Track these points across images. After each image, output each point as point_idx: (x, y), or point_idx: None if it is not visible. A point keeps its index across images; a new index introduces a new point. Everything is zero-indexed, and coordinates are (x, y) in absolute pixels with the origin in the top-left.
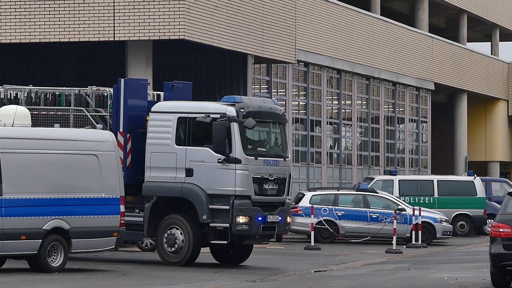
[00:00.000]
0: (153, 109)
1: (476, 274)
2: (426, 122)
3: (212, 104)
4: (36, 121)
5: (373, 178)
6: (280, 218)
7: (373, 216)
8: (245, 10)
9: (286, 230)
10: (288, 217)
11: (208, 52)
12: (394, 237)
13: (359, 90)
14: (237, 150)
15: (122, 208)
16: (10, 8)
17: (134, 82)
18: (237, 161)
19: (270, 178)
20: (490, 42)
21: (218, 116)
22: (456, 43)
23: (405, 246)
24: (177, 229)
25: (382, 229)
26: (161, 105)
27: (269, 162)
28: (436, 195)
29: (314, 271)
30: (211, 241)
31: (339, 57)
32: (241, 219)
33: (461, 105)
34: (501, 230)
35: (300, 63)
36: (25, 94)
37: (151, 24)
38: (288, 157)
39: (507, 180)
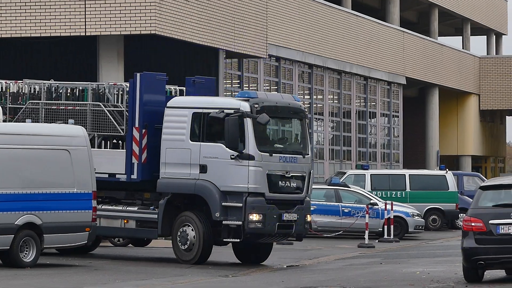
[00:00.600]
0: (168, 104)
1: (448, 268)
2: (397, 116)
3: (226, 99)
4: (57, 116)
5: (345, 173)
6: (297, 217)
7: (345, 211)
8: (216, 4)
9: (306, 229)
10: (308, 216)
11: (180, 47)
12: (367, 232)
13: (330, 85)
14: (251, 146)
15: (94, 203)
16: None
17: (150, 77)
18: (250, 157)
19: (287, 175)
20: (461, 36)
21: (231, 111)
22: (428, 38)
23: (377, 241)
24: (189, 226)
25: (354, 223)
26: (176, 100)
27: (286, 159)
28: (408, 189)
29: (287, 266)
30: (224, 239)
31: (310, 51)
32: (254, 217)
33: (432, 99)
34: (473, 224)
35: (272, 58)
36: (45, 89)
37: (122, 19)
38: (308, 154)
39: (479, 174)
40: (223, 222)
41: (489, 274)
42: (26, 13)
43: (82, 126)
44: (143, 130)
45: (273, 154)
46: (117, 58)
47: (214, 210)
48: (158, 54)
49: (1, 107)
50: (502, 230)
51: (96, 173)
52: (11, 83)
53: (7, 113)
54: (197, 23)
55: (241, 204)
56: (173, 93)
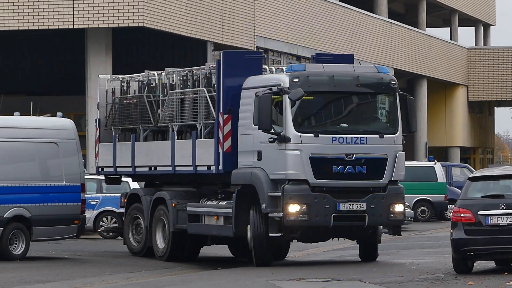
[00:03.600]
0: (243, 85)
1: (437, 259)
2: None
3: (275, 75)
4: (179, 105)
5: None
6: (372, 206)
7: None
8: None
9: (389, 220)
10: (394, 205)
11: (168, 40)
12: None
13: None
14: (287, 126)
15: (83, 195)
16: None
17: (235, 55)
18: (286, 139)
19: (347, 159)
20: (449, 28)
21: (275, 88)
22: (416, 29)
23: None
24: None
25: None
26: (249, 80)
27: (346, 140)
28: None
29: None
30: (270, 234)
31: (298, 43)
32: (294, 208)
33: (420, 90)
34: (462, 215)
35: (260, 50)
36: (180, 78)
37: (110, 11)
38: (390, 134)
39: (468, 165)
40: (269, 214)
41: (478, 265)
42: (14, 6)
43: (193, 116)
44: (226, 116)
45: (321, 135)
46: (105, 51)
47: (262, 201)
48: (146, 46)
49: (154, 100)
50: (491, 221)
51: (198, 165)
52: (162, 73)
53: (160, 106)
54: (185, 15)
55: (279, 194)
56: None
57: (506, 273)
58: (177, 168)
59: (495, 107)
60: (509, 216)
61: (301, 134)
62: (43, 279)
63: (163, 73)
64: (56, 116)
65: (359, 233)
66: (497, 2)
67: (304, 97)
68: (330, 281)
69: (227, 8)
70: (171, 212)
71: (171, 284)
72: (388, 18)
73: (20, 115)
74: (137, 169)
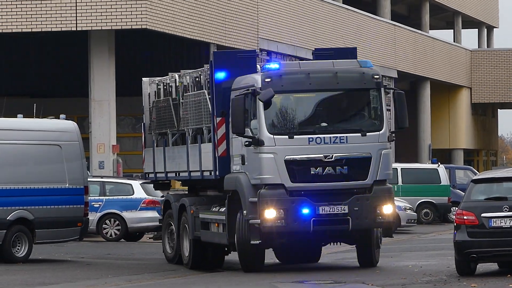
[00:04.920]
0: (232, 85)
1: (440, 261)
2: (389, 110)
3: (253, 75)
4: (193, 108)
5: None
6: (356, 208)
7: None
8: None
9: (376, 223)
10: (382, 206)
11: (171, 42)
12: None
13: None
14: (261, 129)
15: (86, 198)
16: None
17: (227, 55)
18: (259, 143)
19: (326, 160)
20: (452, 30)
21: (250, 89)
22: (419, 31)
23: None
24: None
25: None
26: (237, 81)
27: (323, 140)
28: (400, 183)
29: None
30: (251, 242)
31: (301, 45)
32: (269, 213)
33: (424, 93)
34: (465, 217)
35: (263, 52)
36: (193, 80)
37: (113, 13)
38: (373, 132)
39: (471, 167)
40: (250, 221)
41: (481, 267)
42: (17, 8)
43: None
44: (219, 119)
45: (296, 136)
46: (108, 54)
47: (244, 208)
48: (149, 49)
49: (173, 103)
50: (494, 223)
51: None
52: (185, 75)
53: (179, 109)
54: (188, 17)
55: (256, 199)
56: None
57: (509, 275)
58: (191, 174)
59: (498, 109)
60: None
61: (274, 136)
62: (45, 281)
63: (177, 75)
64: (59, 118)
65: (345, 237)
66: (501, 4)
67: (278, 96)
68: (332, 283)
69: (230, 10)
70: (189, 219)
71: (173, 286)
72: (392, 20)
73: (23, 117)
74: (168, 174)
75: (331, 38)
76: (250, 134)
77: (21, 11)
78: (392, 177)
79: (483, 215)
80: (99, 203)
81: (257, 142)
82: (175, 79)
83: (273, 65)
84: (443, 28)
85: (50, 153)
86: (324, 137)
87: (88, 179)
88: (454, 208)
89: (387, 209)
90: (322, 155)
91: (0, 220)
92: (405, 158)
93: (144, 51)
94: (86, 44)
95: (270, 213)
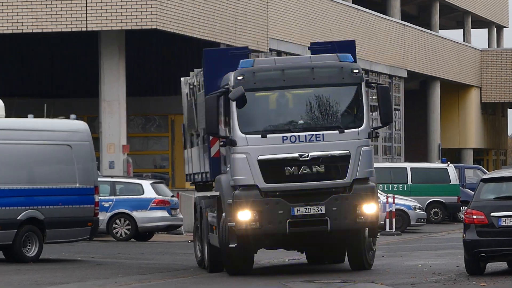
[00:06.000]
0: (221, 83)
1: (450, 261)
2: (399, 109)
3: (229, 73)
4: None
5: None
6: (331, 209)
7: None
8: None
9: (356, 223)
10: (362, 206)
11: (181, 42)
12: None
13: None
14: (234, 128)
15: (96, 198)
16: None
17: (218, 53)
18: (232, 143)
19: (302, 159)
20: (462, 29)
21: (223, 89)
22: (429, 31)
23: (379, 234)
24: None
25: None
26: (224, 79)
27: (297, 138)
28: (409, 182)
29: (288, 260)
30: (230, 245)
31: None
32: (244, 215)
33: (434, 92)
34: (474, 217)
35: (273, 52)
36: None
37: (123, 14)
38: (352, 128)
39: (481, 167)
40: (228, 224)
41: (491, 266)
42: (28, 8)
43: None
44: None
45: (269, 135)
46: (118, 54)
47: (223, 210)
48: (158, 49)
49: (194, 103)
50: (504, 222)
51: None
52: (196, 75)
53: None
54: (198, 17)
55: (231, 201)
56: None
57: None
58: (202, 175)
59: (508, 109)
60: None
61: (247, 135)
62: (56, 281)
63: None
64: (69, 119)
65: (329, 240)
66: (510, 3)
67: (251, 94)
68: (342, 283)
69: (240, 10)
70: (204, 222)
71: (182, 285)
72: (401, 20)
73: (34, 117)
74: (194, 176)
75: (340, 38)
76: (223, 134)
77: (31, 11)
78: (374, 175)
79: (492, 214)
80: (109, 202)
81: (230, 142)
82: (194, 79)
83: (248, 62)
84: (453, 28)
85: (60, 153)
86: (299, 135)
87: (98, 179)
88: (463, 207)
89: (369, 209)
90: (297, 154)
91: (11, 220)
92: (414, 158)
93: (154, 51)
94: (96, 45)
95: (244, 215)
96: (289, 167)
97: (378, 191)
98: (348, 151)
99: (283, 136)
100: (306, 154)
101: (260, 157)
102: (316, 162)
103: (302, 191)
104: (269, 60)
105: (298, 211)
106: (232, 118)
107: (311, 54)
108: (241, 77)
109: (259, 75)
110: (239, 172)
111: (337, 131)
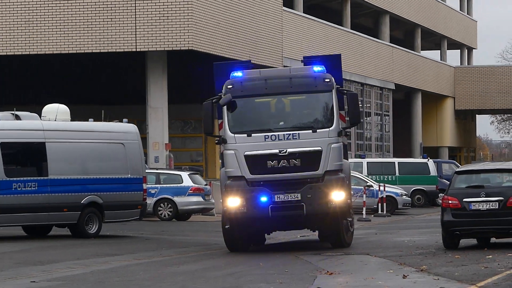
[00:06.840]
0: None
1: (430, 237)
2: (388, 115)
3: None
4: None
5: None
6: (308, 196)
7: None
8: (240, 23)
9: (328, 208)
10: (331, 193)
11: (211, 58)
12: (364, 208)
13: None
14: (225, 129)
15: (144, 186)
16: (44, 20)
17: (225, 66)
18: (224, 141)
19: (280, 154)
20: (439, 50)
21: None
22: (412, 51)
23: (373, 215)
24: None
25: (354, 201)
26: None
27: (277, 137)
28: (397, 174)
29: (300, 236)
30: (225, 227)
31: None
32: (233, 202)
33: (416, 101)
34: (450, 202)
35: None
36: None
37: (165, 37)
38: (323, 128)
39: (455, 161)
40: (223, 209)
41: (463, 242)
42: (88, 33)
43: None
44: (220, 121)
45: (254, 134)
46: (162, 70)
47: (221, 198)
48: (195, 69)
49: None
50: (474, 206)
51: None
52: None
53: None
54: (227, 39)
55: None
56: None
57: (486, 249)
58: None
59: (476, 115)
60: (488, 203)
61: (235, 135)
62: (112, 252)
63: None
64: (122, 122)
65: (307, 224)
66: (479, 29)
67: (239, 100)
68: (343, 255)
69: (259, 33)
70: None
71: (212, 256)
72: (390, 42)
73: (93, 121)
74: None
75: (342, 57)
76: (217, 134)
77: (91, 35)
78: (348, 168)
79: (464, 200)
80: (155, 190)
81: (222, 141)
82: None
83: (237, 73)
84: (432, 49)
85: (115, 150)
86: (278, 134)
87: (146, 171)
88: (441, 194)
89: (338, 196)
90: (277, 150)
91: (76, 203)
92: (401, 154)
93: (191, 72)
94: (143, 61)
95: (234, 201)
96: (271, 161)
97: (372, 181)
98: (320, 148)
99: (265, 135)
100: (285, 150)
101: (246, 153)
102: (293, 157)
103: (282, 181)
104: (255, 71)
105: (278, 198)
106: (224, 120)
107: (304, 65)
108: (230, 86)
109: (246, 85)
110: (230, 166)
111: (310, 131)
